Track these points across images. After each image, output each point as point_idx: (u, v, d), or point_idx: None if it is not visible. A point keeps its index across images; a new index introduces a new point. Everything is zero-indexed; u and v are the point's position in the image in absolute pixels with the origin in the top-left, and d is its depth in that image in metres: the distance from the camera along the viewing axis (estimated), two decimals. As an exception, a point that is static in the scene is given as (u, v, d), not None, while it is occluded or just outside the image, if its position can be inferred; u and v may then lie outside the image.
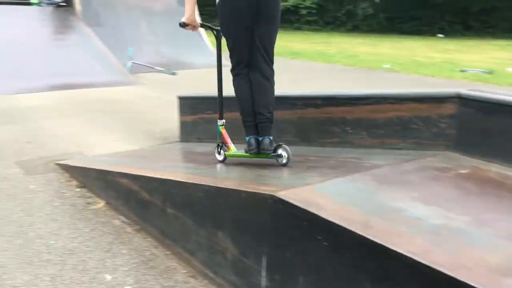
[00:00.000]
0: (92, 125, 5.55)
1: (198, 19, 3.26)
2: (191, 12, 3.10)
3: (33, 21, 9.51)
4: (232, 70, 3.02)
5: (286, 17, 30.03)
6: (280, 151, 2.76)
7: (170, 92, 7.77)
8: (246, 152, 2.92)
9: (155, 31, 11.18)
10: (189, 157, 4.27)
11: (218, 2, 2.88)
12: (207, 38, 11.92)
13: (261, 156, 2.87)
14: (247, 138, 2.91)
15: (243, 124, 2.96)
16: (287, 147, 2.75)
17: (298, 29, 29.64)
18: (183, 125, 4.80)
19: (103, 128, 5.45)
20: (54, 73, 8.09)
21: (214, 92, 3.43)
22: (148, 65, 9.83)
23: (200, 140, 4.57)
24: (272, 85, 2.94)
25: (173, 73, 9.61)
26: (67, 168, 3.92)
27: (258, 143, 2.84)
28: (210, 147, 3.48)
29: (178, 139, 4.98)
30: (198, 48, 11.52)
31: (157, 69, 9.84)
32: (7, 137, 4.92)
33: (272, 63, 2.94)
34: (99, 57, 8.99)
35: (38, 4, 10.37)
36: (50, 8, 10.32)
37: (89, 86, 7.88)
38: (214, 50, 11.24)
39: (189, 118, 4.73)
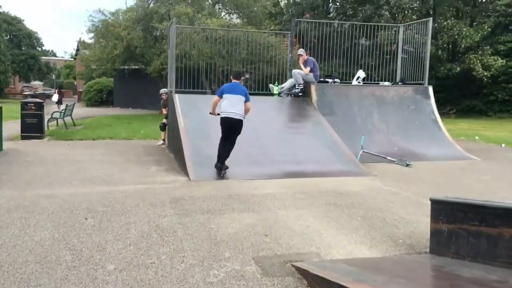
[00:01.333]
0: (326, 220, 5.16)
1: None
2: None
3: (273, 110, 10.12)
4: None
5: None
6: None
7: (406, 186, 7.16)
8: None
9: (386, 120, 10.75)
10: (456, 283, 3.35)
11: None
12: (444, 128, 10.91)
13: None
14: None
15: None
16: None
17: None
18: (436, 234, 4.00)
19: (338, 225, 5.01)
20: (289, 160, 8.23)
21: (476, 197, 2.60)
22: (380, 155, 9.33)
23: (459, 256, 3.70)
24: None
25: (407, 165, 8.87)
26: (305, 274, 3.51)
27: None
28: (481, 270, 2.63)
29: (427, 250, 4.18)
30: (434, 139, 10.60)
31: (388, 159, 9.25)
32: (246, 227, 4.87)
33: None
34: (331, 146, 8.89)
35: (278, 94, 11.08)
36: (289, 98, 10.91)
37: (321, 175, 7.73)
38: (457, 142, 10.24)
39: (444, 226, 3.92)
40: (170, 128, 10.74)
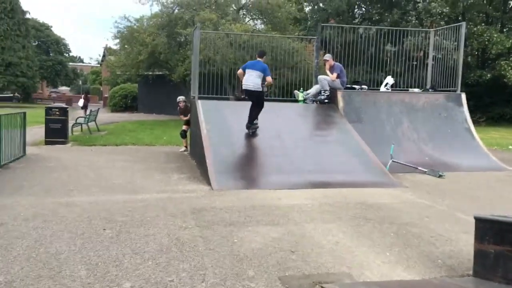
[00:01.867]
0: (357, 236, 4.82)
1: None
2: None
3: (298, 117, 9.81)
4: None
5: None
6: None
7: (441, 199, 6.73)
8: None
9: (417, 128, 10.32)
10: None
11: None
12: (478, 137, 10.42)
13: None
14: None
15: None
16: None
17: None
18: (481, 255, 3.63)
19: (370, 241, 4.66)
20: (315, 169, 7.91)
21: None
22: (410, 165, 8.91)
23: (508, 281, 3.33)
24: None
25: (440, 175, 8.44)
26: (337, 298, 3.20)
27: None
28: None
29: (469, 272, 3.81)
30: (467, 148, 10.12)
31: (420, 170, 8.83)
32: (271, 242, 4.57)
33: None
34: (359, 155, 8.53)
35: (304, 101, 10.78)
36: (314, 105, 10.59)
37: (348, 185, 7.38)
38: (491, 152, 9.73)
39: (491, 247, 3.55)
40: (193, 135, 10.54)
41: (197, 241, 4.57)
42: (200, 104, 9.54)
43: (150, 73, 25.24)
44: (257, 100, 8.88)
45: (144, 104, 30.90)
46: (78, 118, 16.14)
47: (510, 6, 30.45)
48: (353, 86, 11.18)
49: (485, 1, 28.23)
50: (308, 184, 7.38)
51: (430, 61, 12.30)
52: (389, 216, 5.66)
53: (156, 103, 28.87)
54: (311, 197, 6.58)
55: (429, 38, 12.84)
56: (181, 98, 12.15)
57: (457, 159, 9.68)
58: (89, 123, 16.00)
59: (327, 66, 10.63)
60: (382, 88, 11.46)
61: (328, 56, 10.61)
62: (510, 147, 14.19)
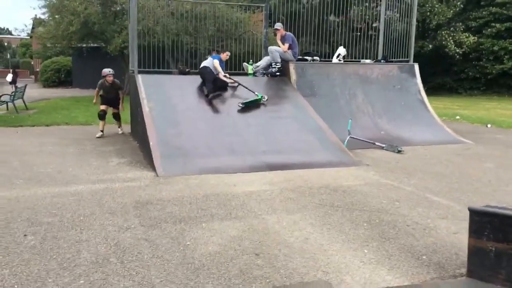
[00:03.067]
0: (327, 229, 4.23)
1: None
2: None
3: (248, 92, 9.04)
4: None
5: (501, 82, 26.54)
6: None
7: (406, 179, 6.18)
8: None
9: (371, 101, 9.89)
10: None
11: None
12: (432, 109, 10.16)
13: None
14: None
15: None
16: None
17: (517, 94, 25.80)
18: (478, 254, 3.12)
19: (343, 235, 4.09)
20: (270, 149, 7.26)
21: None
22: (368, 140, 8.47)
23: (514, 285, 2.84)
24: None
25: (399, 151, 8.06)
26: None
27: None
28: None
29: (461, 271, 3.32)
30: (421, 121, 9.83)
31: (378, 145, 8.42)
32: (230, 243, 3.88)
33: None
34: (316, 132, 7.96)
35: (253, 74, 10.03)
36: (265, 78, 9.88)
37: (308, 166, 6.81)
38: (444, 125, 9.49)
39: (491, 245, 3.04)
40: (133, 113, 9.56)
41: (142, 246, 3.80)
42: (141, 79, 8.57)
43: (84, 45, 23.41)
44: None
45: (79, 78, 28.90)
46: (2, 95, 14.54)
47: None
48: (305, 57, 10.54)
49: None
50: (264, 166, 6.73)
51: (381, 31, 11.86)
52: (357, 201, 5.12)
53: (93, 77, 26.71)
54: (269, 182, 5.94)
55: (375, 8, 12.40)
56: (110, 70, 9.87)
57: (412, 132, 9.37)
58: (16, 101, 14.46)
59: (278, 36, 9.92)
60: (335, 60, 10.92)
61: (279, 25, 9.87)
62: (457, 117, 14.24)
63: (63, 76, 30.23)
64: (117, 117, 10.22)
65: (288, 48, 9.74)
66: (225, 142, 7.29)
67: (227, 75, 8.98)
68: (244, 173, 6.43)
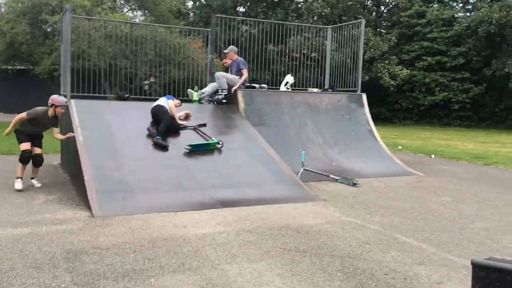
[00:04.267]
0: (298, 282, 3.66)
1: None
2: None
3: (194, 119, 8.40)
4: None
5: (433, 112, 27.69)
6: None
7: (369, 215, 5.77)
8: None
9: (321, 131, 9.58)
10: None
11: None
12: (381, 140, 10.02)
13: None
14: None
15: None
16: None
17: (447, 124, 27.00)
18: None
19: (317, 289, 3.53)
20: (220, 184, 6.63)
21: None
22: (322, 173, 8.08)
23: None
24: None
25: (354, 184, 7.71)
26: None
27: None
28: None
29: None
30: (371, 152, 9.64)
31: (331, 177, 8.04)
32: (186, 305, 3.19)
33: None
34: (268, 164, 7.44)
35: (199, 101, 9.43)
36: (211, 105, 9.31)
37: (263, 202, 6.25)
38: (393, 156, 9.33)
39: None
40: (64, 142, 8.58)
41: (75, 314, 3.03)
42: (74, 104, 7.71)
43: (10, 67, 21.77)
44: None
45: (4, 102, 26.79)
46: None
47: (381, 10, 32.20)
48: (252, 85, 10.12)
49: (359, 6, 29.36)
50: (216, 203, 6.08)
51: (328, 60, 11.74)
52: (324, 244, 4.61)
53: (20, 101, 25.00)
54: (224, 222, 5.30)
55: (322, 37, 12.33)
56: (65, 101, 7.27)
57: (363, 163, 9.12)
58: None
59: (228, 62, 9.44)
60: (282, 88, 10.57)
61: (232, 48, 9.40)
62: (399, 147, 14.36)
63: (-15, 99, 27.95)
64: (40, 162, 7.23)
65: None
66: (171, 176, 6.58)
67: (183, 122, 8.08)
68: (193, 210, 5.75)
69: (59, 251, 4.20)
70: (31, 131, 7.09)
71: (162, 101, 7.94)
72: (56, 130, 7.18)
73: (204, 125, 8.03)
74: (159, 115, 7.65)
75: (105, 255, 4.12)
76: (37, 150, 7.13)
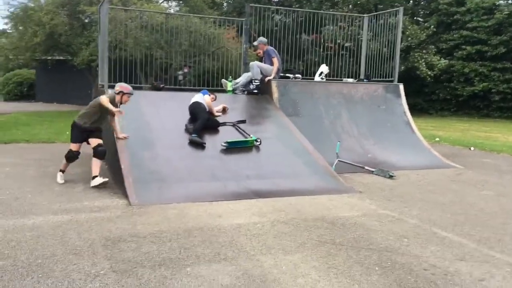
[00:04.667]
0: (334, 274, 3.61)
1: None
2: None
3: (229, 110, 8.40)
4: None
5: (471, 103, 26.87)
6: None
7: (407, 209, 5.64)
8: None
9: (356, 122, 9.42)
10: None
11: None
12: (418, 131, 9.77)
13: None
14: None
15: None
16: None
17: (486, 116, 26.13)
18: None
19: (355, 283, 3.47)
20: (255, 174, 6.63)
21: None
22: (357, 164, 7.96)
23: None
24: None
25: (391, 176, 7.56)
26: None
27: None
28: None
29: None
30: (408, 143, 9.42)
31: (367, 169, 7.91)
32: (222, 295, 3.20)
33: None
34: (302, 154, 7.38)
35: (233, 91, 9.42)
36: (245, 96, 9.29)
37: (297, 193, 6.21)
38: (431, 148, 9.09)
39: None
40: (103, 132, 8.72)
41: (115, 301, 3.08)
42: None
43: (49, 57, 22.35)
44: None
45: (43, 92, 27.66)
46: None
47: (420, -3, 31.31)
48: (287, 75, 10.03)
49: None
50: (250, 193, 6.08)
51: (364, 49, 11.51)
52: (360, 237, 4.53)
53: (58, 91, 25.95)
54: (259, 213, 5.29)
55: (358, 26, 12.08)
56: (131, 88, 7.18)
57: (400, 155, 8.92)
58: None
59: (261, 52, 9.40)
60: (317, 78, 10.45)
61: (262, 40, 9.35)
62: (437, 139, 13.99)
63: (25, 89, 28.91)
64: (102, 153, 6.61)
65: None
66: (205, 166, 6.61)
67: (220, 115, 8.09)
68: (228, 201, 5.77)
69: (98, 238, 4.29)
70: (92, 126, 6.66)
71: (199, 97, 7.82)
72: (114, 119, 6.92)
73: (244, 121, 7.89)
74: (196, 112, 7.58)
75: (142, 243, 4.18)
76: (97, 141, 6.61)
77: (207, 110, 7.71)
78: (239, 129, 7.70)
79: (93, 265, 3.66)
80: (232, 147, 7.08)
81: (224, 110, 8.24)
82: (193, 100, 7.76)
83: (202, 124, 7.35)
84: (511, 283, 3.49)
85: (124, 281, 3.39)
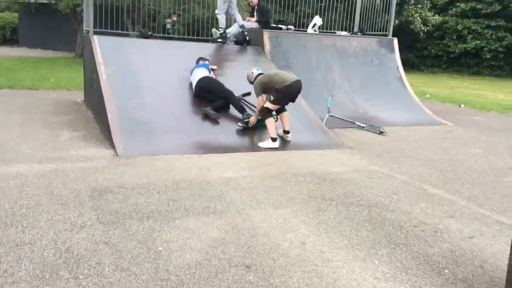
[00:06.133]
0: (324, 230, 3.59)
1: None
2: None
3: (219, 61, 8.18)
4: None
5: (462, 60, 26.71)
6: None
7: (397, 165, 5.61)
8: None
9: (349, 76, 9.27)
10: None
11: None
12: (410, 88, 9.67)
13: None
14: None
15: None
16: None
17: (476, 73, 26.05)
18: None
19: (344, 238, 3.45)
20: (245, 128, 6.50)
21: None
22: (348, 120, 7.89)
23: None
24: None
25: (381, 132, 7.52)
26: None
27: None
28: None
29: (497, 292, 2.76)
30: (400, 99, 9.34)
31: (357, 125, 7.85)
32: (212, 248, 3.16)
33: None
34: (294, 109, 7.21)
35: (222, 41, 9.13)
36: (236, 47, 9.02)
37: (288, 147, 6.14)
38: (422, 103, 9.03)
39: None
40: (88, 79, 8.50)
41: (101, 252, 3.02)
42: (97, 41, 7.51)
43: (33, 0, 21.46)
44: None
45: (27, 37, 26.74)
46: None
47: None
48: (279, 26, 9.74)
49: None
50: (241, 146, 6.01)
51: (358, 1, 11.17)
52: (350, 193, 4.51)
53: (41, 36, 25.11)
54: (248, 166, 5.23)
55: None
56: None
57: (391, 111, 8.86)
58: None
59: (254, 1, 9.11)
60: (309, 30, 10.16)
61: None
62: (427, 95, 13.94)
63: (8, 33, 27.91)
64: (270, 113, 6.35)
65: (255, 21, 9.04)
66: (195, 118, 6.48)
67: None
68: (217, 154, 5.68)
69: (84, 188, 4.20)
70: None
71: (204, 71, 6.97)
72: None
73: (249, 93, 7.51)
74: (212, 88, 6.79)
75: (129, 194, 4.11)
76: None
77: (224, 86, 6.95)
78: (245, 102, 7.13)
79: (80, 216, 3.58)
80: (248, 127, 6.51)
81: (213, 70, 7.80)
82: (201, 75, 6.87)
83: (220, 103, 6.69)
84: (500, 241, 3.51)
85: (111, 232, 3.33)
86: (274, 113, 6.35)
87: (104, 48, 7.35)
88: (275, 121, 6.30)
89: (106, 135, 6.12)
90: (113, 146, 5.59)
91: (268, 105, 6.20)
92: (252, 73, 6.61)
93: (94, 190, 4.17)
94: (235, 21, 9.36)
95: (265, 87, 6.30)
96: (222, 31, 8.93)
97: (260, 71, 6.58)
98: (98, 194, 4.07)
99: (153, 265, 2.90)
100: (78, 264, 2.86)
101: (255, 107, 6.76)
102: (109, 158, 5.24)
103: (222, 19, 8.96)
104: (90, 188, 4.21)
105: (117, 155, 5.36)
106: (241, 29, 9.00)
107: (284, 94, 6.23)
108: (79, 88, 10.16)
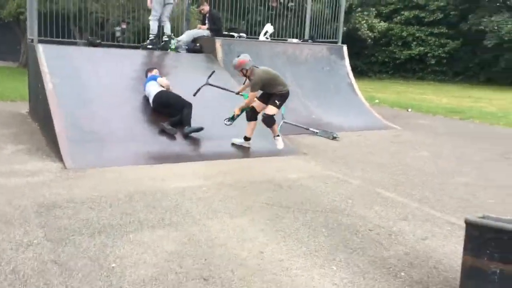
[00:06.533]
0: (282, 238, 3.57)
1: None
2: None
3: (173, 69, 8.07)
4: None
5: (408, 66, 27.68)
6: None
7: (350, 170, 5.69)
8: None
9: (300, 83, 9.37)
10: None
11: None
12: (360, 93, 9.90)
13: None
14: None
15: None
16: None
17: (421, 79, 27.10)
18: (477, 276, 2.63)
19: (302, 245, 3.45)
20: (199, 136, 6.42)
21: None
22: (302, 126, 7.96)
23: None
24: None
25: (334, 137, 7.64)
26: None
27: None
28: None
29: (451, 292, 2.83)
30: (351, 105, 9.54)
31: (311, 131, 7.93)
32: (168, 263, 3.06)
33: None
34: (248, 115, 7.23)
35: (176, 49, 9.03)
36: (189, 55, 8.94)
37: (243, 155, 6.12)
38: (372, 108, 9.26)
39: (494, 265, 2.56)
40: (33, 90, 8.14)
41: (50, 272, 2.86)
42: (42, 50, 7.22)
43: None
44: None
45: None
46: None
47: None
48: (231, 33, 9.74)
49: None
50: (195, 155, 5.91)
51: (308, 9, 11.36)
52: (307, 199, 4.52)
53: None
54: (204, 175, 5.15)
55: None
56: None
57: (343, 117, 9.02)
58: None
59: (206, 8, 9.07)
60: (261, 37, 10.23)
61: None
62: (376, 100, 14.32)
63: None
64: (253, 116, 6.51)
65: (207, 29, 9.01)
66: (146, 127, 6.33)
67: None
68: (171, 163, 5.57)
69: (30, 204, 3.99)
70: None
71: (155, 84, 6.75)
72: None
73: (213, 72, 7.17)
74: (172, 102, 6.58)
75: (79, 209, 3.93)
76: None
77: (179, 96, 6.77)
78: (216, 86, 7.07)
79: (25, 234, 3.39)
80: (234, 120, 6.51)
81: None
82: (157, 89, 6.64)
83: (190, 113, 6.50)
84: (452, 242, 3.61)
85: (60, 250, 3.16)
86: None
87: (49, 57, 7.07)
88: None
89: (53, 147, 5.86)
90: (61, 159, 5.36)
91: (274, 110, 6.17)
92: (250, 60, 6.40)
93: (40, 206, 3.97)
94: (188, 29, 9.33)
95: (265, 85, 6.14)
96: (152, 37, 8.80)
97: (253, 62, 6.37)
98: (46, 210, 3.87)
99: (106, 283, 2.78)
100: (25, 286, 2.69)
101: (226, 89, 6.99)
102: (57, 172, 5.02)
103: (154, 26, 8.85)
104: (36, 204, 4.00)
105: (65, 168, 5.14)
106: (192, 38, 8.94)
107: (284, 99, 6.22)
108: (23, 99, 9.73)
